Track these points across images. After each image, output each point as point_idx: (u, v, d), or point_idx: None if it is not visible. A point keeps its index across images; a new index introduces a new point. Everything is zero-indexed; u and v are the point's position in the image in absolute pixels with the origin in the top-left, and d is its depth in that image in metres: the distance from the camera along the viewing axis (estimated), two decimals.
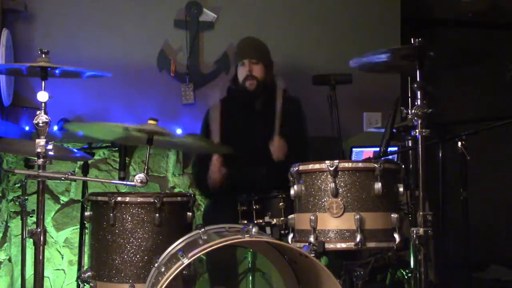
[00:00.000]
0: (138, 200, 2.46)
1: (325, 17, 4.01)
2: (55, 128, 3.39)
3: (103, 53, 3.69)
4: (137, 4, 3.78)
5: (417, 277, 2.42)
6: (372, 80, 3.72)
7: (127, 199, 2.46)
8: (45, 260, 2.17)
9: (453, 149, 2.66)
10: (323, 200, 2.26)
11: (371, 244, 2.22)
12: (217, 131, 3.10)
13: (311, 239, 2.22)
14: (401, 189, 2.32)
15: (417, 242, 2.15)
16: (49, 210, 3.64)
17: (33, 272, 2.13)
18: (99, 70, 2.36)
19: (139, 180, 2.09)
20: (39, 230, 2.07)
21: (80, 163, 3.50)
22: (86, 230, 3.01)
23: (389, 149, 2.87)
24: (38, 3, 3.65)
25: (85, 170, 3.15)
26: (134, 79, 3.73)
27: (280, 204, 2.69)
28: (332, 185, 2.23)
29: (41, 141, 2.04)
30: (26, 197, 2.87)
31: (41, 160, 2.05)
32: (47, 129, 2.06)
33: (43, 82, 2.11)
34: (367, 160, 2.61)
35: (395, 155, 3.07)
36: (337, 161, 2.25)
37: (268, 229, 2.68)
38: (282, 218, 2.65)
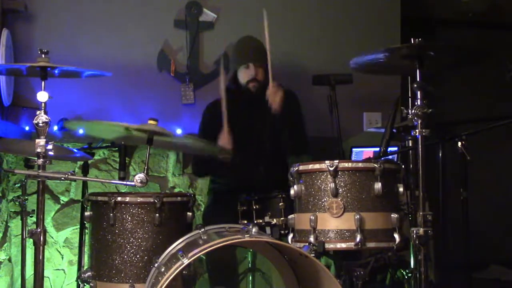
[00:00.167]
0: (138, 200, 2.46)
1: (325, 17, 4.01)
2: (55, 128, 3.38)
3: (103, 53, 3.68)
4: (137, 4, 3.77)
5: (417, 277, 2.42)
6: (372, 80, 3.72)
7: (127, 199, 2.46)
8: (45, 260, 2.17)
9: (453, 149, 2.65)
10: (323, 200, 2.26)
11: (371, 244, 2.22)
12: (226, 123, 3.03)
13: (311, 239, 2.22)
14: (401, 189, 2.33)
15: (417, 242, 2.15)
16: (49, 210, 3.63)
17: (33, 272, 2.13)
18: (99, 70, 2.36)
19: (139, 180, 2.09)
20: (39, 230, 2.07)
21: (80, 163, 3.50)
22: (86, 230, 3.01)
23: (389, 149, 2.85)
24: (38, 3, 3.65)
25: (85, 170, 3.15)
26: (134, 79, 3.73)
27: (280, 204, 2.69)
28: (332, 185, 2.23)
29: (41, 141, 2.04)
30: (26, 197, 2.87)
31: (41, 160, 2.05)
32: (47, 129, 2.06)
33: (43, 82, 2.11)
34: (367, 160, 2.60)
35: (395, 155, 3.06)
36: (337, 161, 2.25)
37: (268, 229, 2.68)
38: (282, 218, 2.65)
